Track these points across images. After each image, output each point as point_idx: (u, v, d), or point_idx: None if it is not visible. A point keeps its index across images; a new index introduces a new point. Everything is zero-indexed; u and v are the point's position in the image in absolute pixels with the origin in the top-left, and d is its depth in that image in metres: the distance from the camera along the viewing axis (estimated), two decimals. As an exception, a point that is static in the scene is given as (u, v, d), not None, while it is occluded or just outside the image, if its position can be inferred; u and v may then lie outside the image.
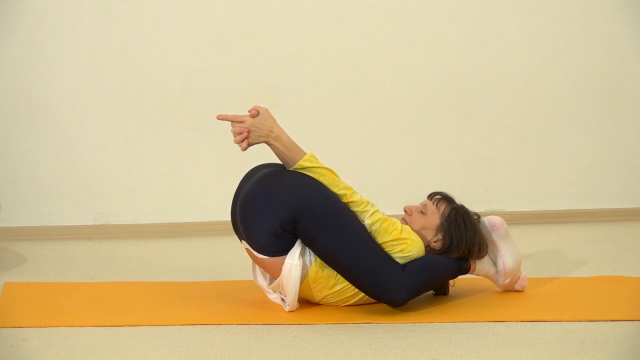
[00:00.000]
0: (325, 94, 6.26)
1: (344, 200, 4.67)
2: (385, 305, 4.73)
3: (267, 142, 4.72)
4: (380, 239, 4.67)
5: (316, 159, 4.70)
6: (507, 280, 5.03)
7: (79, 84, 6.11)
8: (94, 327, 4.57)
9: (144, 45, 6.12)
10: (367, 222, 4.67)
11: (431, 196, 4.94)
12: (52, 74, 6.07)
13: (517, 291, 5.08)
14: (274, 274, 4.75)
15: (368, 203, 4.71)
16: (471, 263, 4.93)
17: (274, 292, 4.81)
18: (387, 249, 4.67)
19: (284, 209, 4.60)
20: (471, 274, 4.97)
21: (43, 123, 6.10)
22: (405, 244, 4.70)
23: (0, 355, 4.24)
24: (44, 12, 6.01)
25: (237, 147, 4.75)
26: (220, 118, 4.77)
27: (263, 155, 4.87)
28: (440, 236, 4.83)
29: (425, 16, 6.30)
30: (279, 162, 4.79)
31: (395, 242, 4.68)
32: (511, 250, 5.03)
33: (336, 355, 4.24)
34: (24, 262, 5.64)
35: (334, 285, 4.71)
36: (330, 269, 4.67)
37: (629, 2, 6.43)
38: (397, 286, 4.67)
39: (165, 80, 6.15)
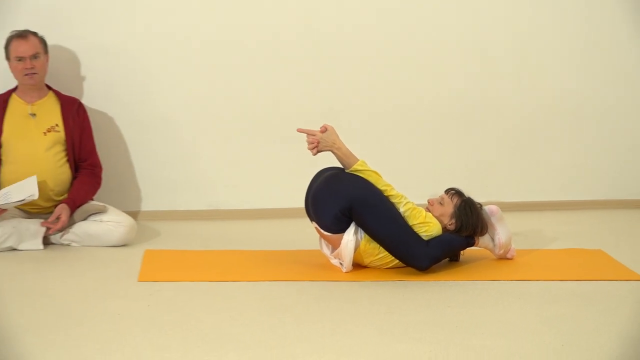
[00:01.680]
0: (368, 115, 6.22)
1: (385, 194, 4.68)
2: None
3: (331, 151, 4.75)
4: (410, 222, 4.68)
5: (366, 164, 4.73)
6: (501, 251, 5.04)
7: (197, 106, 6.09)
8: (208, 282, 4.61)
9: (244, 78, 6.08)
10: (401, 209, 4.68)
11: (447, 191, 4.95)
12: (178, 99, 6.08)
13: (508, 259, 5.08)
14: (335, 246, 4.78)
15: (402, 196, 4.73)
16: (476, 239, 4.93)
17: (335, 258, 4.84)
18: (415, 229, 4.68)
19: (343, 200, 4.63)
20: (475, 246, 4.98)
21: (171, 134, 6.08)
22: (428, 226, 4.72)
23: (143, 299, 4.30)
24: (163, 52, 6.04)
25: (310, 153, 4.82)
26: (299, 131, 4.81)
27: (329, 160, 4.88)
28: (453, 220, 4.84)
29: (438, 54, 6.24)
30: (340, 165, 4.84)
31: (421, 225, 4.70)
32: (504, 230, 5.03)
33: (379, 303, 4.27)
34: (158, 235, 5.67)
35: (378, 254, 4.73)
36: (375, 242, 4.70)
37: (597, 42, 6.41)
38: (422, 256, 4.69)
39: (260, 104, 6.12)
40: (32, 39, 5.44)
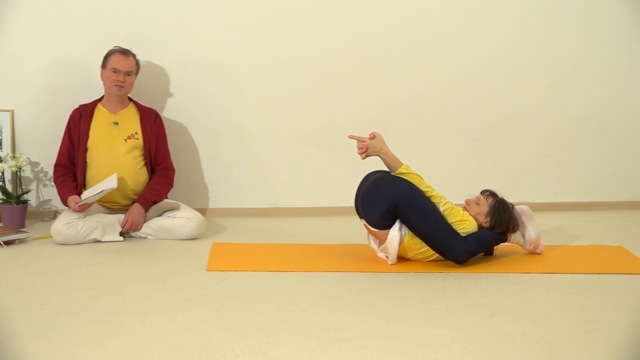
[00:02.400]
0: (412, 124, 6.23)
1: (427, 194, 4.65)
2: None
3: (378, 155, 4.74)
4: (449, 220, 4.65)
5: (410, 168, 4.70)
6: (531, 247, 5.00)
7: (260, 116, 6.12)
8: (269, 272, 4.61)
9: (301, 92, 6.11)
10: (441, 208, 4.65)
11: (482, 192, 4.92)
12: (243, 110, 6.11)
13: (538, 254, 5.03)
14: (381, 241, 4.75)
15: (442, 197, 4.69)
16: (508, 235, 4.89)
17: (381, 252, 4.82)
18: (454, 226, 4.65)
19: (389, 200, 4.61)
20: (508, 242, 4.94)
21: (237, 141, 6.12)
22: (465, 224, 4.68)
23: (211, 287, 4.30)
24: (230, 71, 6.07)
25: (359, 157, 4.82)
26: (351, 137, 4.83)
27: (376, 164, 4.86)
28: (488, 219, 4.80)
29: (480, 72, 6.25)
30: (386, 169, 4.81)
31: (459, 222, 4.66)
32: (534, 227, 4.99)
33: (421, 292, 4.25)
34: (225, 230, 5.68)
35: (420, 248, 4.70)
36: (417, 238, 4.67)
37: (610, 60, 6.38)
38: (460, 250, 4.66)
39: (315, 114, 6.15)
40: (132, 59, 5.52)
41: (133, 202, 5.42)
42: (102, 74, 5.54)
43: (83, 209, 5.24)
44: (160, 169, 5.60)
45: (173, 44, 5.95)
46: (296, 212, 6.19)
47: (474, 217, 4.78)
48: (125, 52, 5.51)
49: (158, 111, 5.75)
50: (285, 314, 3.89)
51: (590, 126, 6.43)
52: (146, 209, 5.39)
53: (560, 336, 3.63)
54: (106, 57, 5.52)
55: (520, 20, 6.27)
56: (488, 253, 4.96)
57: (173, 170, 5.67)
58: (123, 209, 5.47)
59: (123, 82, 5.48)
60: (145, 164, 5.56)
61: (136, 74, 5.59)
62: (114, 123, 5.52)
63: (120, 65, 5.47)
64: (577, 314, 3.92)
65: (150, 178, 5.57)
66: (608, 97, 6.42)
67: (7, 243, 5.13)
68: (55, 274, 4.53)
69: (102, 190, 5.19)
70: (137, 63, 5.58)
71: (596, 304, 4.07)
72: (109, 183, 5.23)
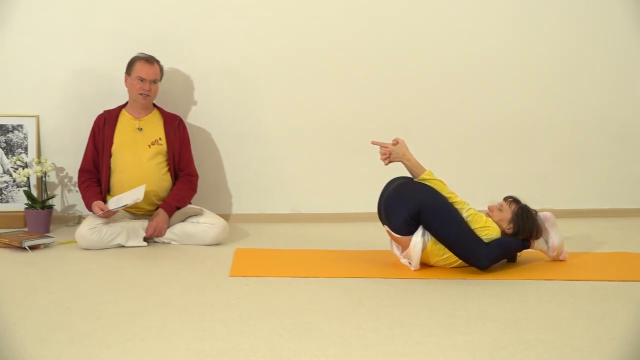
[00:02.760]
0: (435, 130, 6.24)
1: (450, 200, 4.63)
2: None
3: (401, 161, 4.73)
4: (472, 226, 4.63)
5: (432, 174, 4.68)
6: (555, 254, 4.96)
7: (283, 123, 6.15)
8: (291, 277, 4.60)
9: (324, 100, 6.15)
10: (464, 214, 4.63)
11: (506, 198, 4.89)
12: (266, 117, 6.12)
13: (561, 260, 5.00)
14: (404, 247, 4.73)
15: (465, 202, 4.67)
16: (531, 242, 4.86)
17: (404, 258, 4.80)
18: (477, 233, 4.63)
19: (412, 206, 4.58)
20: (531, 249, 4.91)
21: (262, 147, 6.14)
22: (488, 230, 4.65)
23: (233, 292, 4.30)
24: (254, 78, 6.09)
25: (382, 163, 4.80)
26: (373, 143, 4.82)
27: (399, 170, 4.85)
28: (511, 225, 4.77)
29: (498, 83, 6.25)
30: (409, 175, 4.78)
31: (482, 228, 4.63)
32: (557, 234, 4.96)
33: (443, 298, 4.22)
34: (248, 236, 5.68)
35: (443, 255, 4.68)
36: (440, 244, 4.65)
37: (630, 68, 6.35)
38: (483, 256, 4.63)
39: (337, 120, 6.17)
40: (156, 66, 5.52)
41: (157, 208, 5.43)
42: (126, 80, 5.54)
43: (107, 216, 5.24)
44: (184, 175, 5.60)
45: (197, 50, 5.96)
46: (318, 218, 6.19)
47: (497, 223, 4.75)
48: (150, 60, 5.51)
49: (182, 117, 5.76)
50: (308, 319, 3.87)
51: (612, 132, 6.42)
52: (170, 215, 5.39)
53: (585, 343, 3.60)
54: (131, 64, 5.52)
55: (541, 24, 6.28)
56: (511, 259, 4.92)
57: (196, 176, 5.67)
58: (147, 215, 5.47)
59: (149, 90, 5.48)
60: (169, 170, 5.56)
61: (161, 79, 5.59)
62: (138, 129, 5.53)
63: (146, 73, 5.47)
64: (601, 321, 3.89)
65: (173, 184, 5.57)
66: (631, 101, 6.39)
67: (32, 248, 5.15)
68: (80, 279, 4.54)
69: (127, 204, 5.19)
70: (162, 69, 5.58)
71: (620, 311, 4.04)
72: (136, 194, 5.22)
